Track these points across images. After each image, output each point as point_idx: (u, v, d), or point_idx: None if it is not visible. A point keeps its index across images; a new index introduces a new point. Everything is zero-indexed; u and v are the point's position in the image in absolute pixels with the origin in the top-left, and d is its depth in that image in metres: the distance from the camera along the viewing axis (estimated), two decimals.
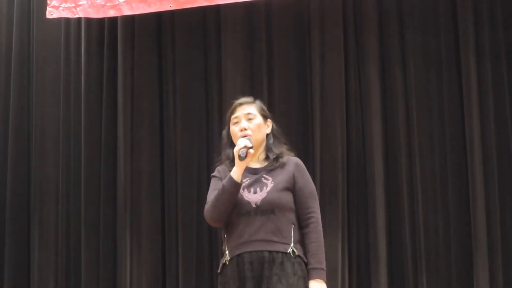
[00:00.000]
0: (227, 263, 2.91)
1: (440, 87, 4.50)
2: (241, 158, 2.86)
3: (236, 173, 2.87)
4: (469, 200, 4.32)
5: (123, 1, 4.68)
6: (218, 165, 3.10)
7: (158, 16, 4.91)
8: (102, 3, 4.73)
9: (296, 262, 2.87)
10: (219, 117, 4.74)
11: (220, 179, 2.98)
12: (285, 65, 4.73)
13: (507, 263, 4.29)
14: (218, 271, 2.97)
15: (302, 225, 2.94)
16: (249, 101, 3.10)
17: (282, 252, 2.85)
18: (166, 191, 4.84)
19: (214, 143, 4.68)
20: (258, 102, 3.12)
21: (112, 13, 4.74)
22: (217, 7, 4.74)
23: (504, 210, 4.34)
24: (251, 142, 2.91)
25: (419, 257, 4.37)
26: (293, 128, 4.61)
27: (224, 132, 3.14)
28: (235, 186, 2.87)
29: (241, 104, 3.08)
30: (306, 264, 2.89)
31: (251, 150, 2.88)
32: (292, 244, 2.87)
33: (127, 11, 4.69)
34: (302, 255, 2.89)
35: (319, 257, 2.89)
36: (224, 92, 4.73)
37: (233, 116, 3.06)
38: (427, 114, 4.51)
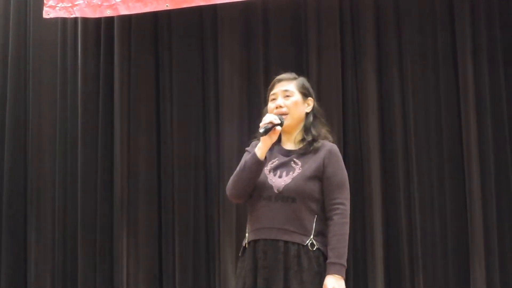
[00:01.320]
0: (246, 247, 2.80)
1: (437, 87, 4.49)
2: (262, 134, 2.71)
3: (260, 149, 2.73)
4: (466, 201, 4.31)
5: (120, 1, 4.68)
6: (254, 140, 2.93)
7: (155, 16, 4.91)
8: (99, 3, 4.74)
9: (314, 256, 2.71)
10: (216, 117, 4.77)
11: (250, 153, 2.82)
12: (282, 64, 4.52)
13: (503, 264, 4.28)
14: (240, 253, 2.86)
15: (326, 216, 2.76)
16: (289, 77, 2.95)
17: (299, 244, 2.70)
18: (162, 190, 4.85)
19: (211, 143, 4.78)
20: (300, 79, 2.95)
21: (108, 13, 4.73)
22: (214, 7, 4.74)
23: (500, 210, 4.33)
24: (282, 119, 2.76)
25: (415, 257, 4.36)
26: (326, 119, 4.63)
27: (265, 109, 2.96)
28: (257, 163, 2.72)
29: (280, 80, 2.94)
30: (325, 259, 2.73)
31: (278, 128, 2.73)
32: (311, 236, 2.71)
33: (123, 11, 4.69)
34: (322, 249, 2.73)
35: (339, 251, 2.70)
36: (221, 92, 4.75)
37: (271, 92, 2.93)
38: (424, 114, 4.50)
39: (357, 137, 4.57)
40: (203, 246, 4.73)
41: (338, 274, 2.68)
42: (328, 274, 2.68)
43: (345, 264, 2.71)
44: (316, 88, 4.50)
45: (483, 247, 4.24)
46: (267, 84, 4.56)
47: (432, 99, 4.51)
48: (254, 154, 2.73)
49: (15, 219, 5.08)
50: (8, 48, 5.23)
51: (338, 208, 2.73)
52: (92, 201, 4.91)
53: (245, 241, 2.81)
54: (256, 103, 4.51)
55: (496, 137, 4.39)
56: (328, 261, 2.69)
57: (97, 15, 4.79)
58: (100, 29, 5.04)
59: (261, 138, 2.72)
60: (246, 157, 2.82)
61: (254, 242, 2.75)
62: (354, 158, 4.55)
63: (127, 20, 4.92)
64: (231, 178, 2.82)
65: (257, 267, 2.71)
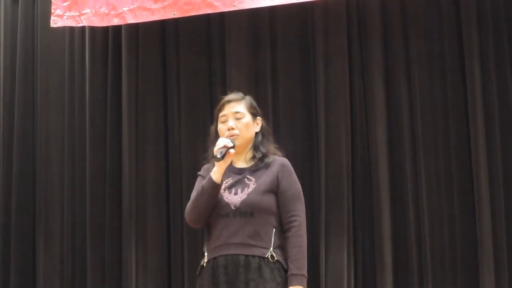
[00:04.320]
0: (205, 265, 2.84)
1: (444, 93, 4.49)
2: (218, 159, 2.77)
3: (215, 173, 2.79)
4: (475, 206, 4.31)
5: (127, 10, 4.67)
6: (205, 163, 3.03)
7: (162, 24, 4.91)
8: (106, 12, 4.73)
9: (275, 268, 2.77)
10: None
11: (204, 178, 2.90)
12: (290, 72, 4.73)
13: None
14: (197, 273, 2.90)
15: (284, 228, 2.83)
16: (238, 98, 3.00)
17: (259, 257, 2.75)
18: (171, 198, 4.84)
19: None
20: (247, 99, 3.01)
21: (116, 22, 4.73)
22: (221, 15, 4.74)
23: (509, 216, 4.33)
24: (233, 142, 2.83)
25: (424, 262, 4.36)
26: (297, 134, 4.63)
27: (212, 128, 3.05)
28: (214, 187, 2.79)
29: (229, 101, 2.98)
30: (285, 271, 2.79)
31: (232, 150, 2.80)
32: (271, 249, 2.77)
33: (131, 20, 4.69)
34: (282, 261, 2.80)
35: (299, 262, 2.77)
36: None
37: (221, 114, 2.97)
38: (432, 120, 4.49)
39: (365, 144, 4.57)
40: None
41: (300, 285, 2.76)
42: (290, 285, 2.75)
43: (306, 274, 2.78)
44: (323, 96, 4.61)
45: (492, 253, 4.23)
46: (275, 91, 4.73)
47: (439, 106, 4.50)
48: (211, 178, 2.79)
49: (24, 228, 5.07)
50: (16, 57, 5.23)
51: (295, 221, 2.81)
52: (101, 209, 4.90)
53: (204, 260, 2.86)
54: (264, 111, 4.37)
55: (504, 144, 4.39)
56: (289, 273, 2.77)
57: (104, 24, 4.77)
58: (107, 38, 5.04)
59: (217, 162, 2.78)
60: (201, 182, 2.89)
61: (213, 259, 2.80)
62: (362, 165, 4.55)
63: (135, 28, 4.92)
64: (188, 204, 2.89)
65: (218, 282, 2.75)
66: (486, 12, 4.45)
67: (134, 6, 4.65)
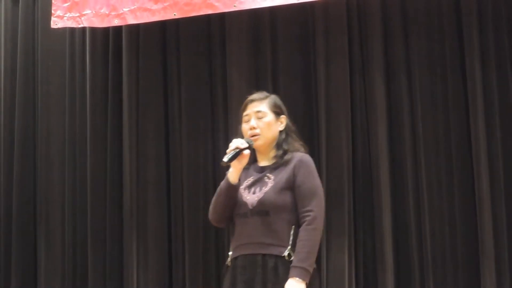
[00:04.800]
0: (229, 265, 2.87)
1: (445, 93, 4.50)
2: (224, 163, 2.77)
3: (231, 174, 2.81)
4: (475, 206, 4.31)
5: (128, 10, 4.69)
6: None
7: (163, 25, 4.93)
8: (107, 12, 4.75)
9: None
10: (224, 125, 4.78)
11: None
12: (290, 72, 4.74)
13: None
14: (223, 271, 2.94)
15: (299, 224, 2.81)
16: (261, 97, 3.01)
17: (276, 256, 2.74)
18: (172, 198, 4.86)
19: (220, 150, 4.65)
20: (271, 98, 3.01)
21: (116, 22, 4.75)
22: (222, 15, 4.75)
23: (510, 215, 4.32)
24: (250, 142, 2.83)
25: (425, 262, 4.36)
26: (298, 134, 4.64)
27: (239, 128, 3.04)
28: (231, 187, 2.81)
29: (252, 101, 3.00)
30: None
31: (246, 151, 2.80)
32: (289, 247, 2.76)
33: (131, 20, 4.71)
34: None
35: (302, 255, 2.72)
36: (229, 101, 4.75)
37: (244, 113, 2.98)
38: (433, 120, 4.50)
39: (366, 143, 4.57)
40: (213, 255, 4.74)
41: (299, 277, 2.70)
42: (290, 277, 2.71)
43: (308, 268, 2.72)
44: (324, 96, 4.62)
45: (493, 253, 4.23)
46: (275, 92, 4.56)
47: (440, 106, 4.50)
48: (227, 179, 2.82)
49: (25, 228, 5.11)
50: (16, 58, 5.27)
51: (307, 216, 2.77)
52: (102, 210, 4.93)
53: (227, 261, 2.89)
54: None
55: (505, 143, 4.38)
56: (291, 264, 2.72)
57: (105, 25, 4.80)
58: (108, 38, 5.06)
59: (232, 163, 2.78)
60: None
61: (234, 259, 2.83)
62: (363, 165, 4.56)
63: (135, 29, 4.94)
64: (211, 203, 2.90)
65: (236, 283, 2.76)
66: (486, 10, 4.45)
67: (135, 6, 4.67)
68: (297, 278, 2.69)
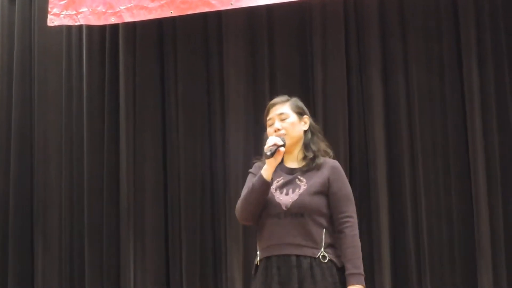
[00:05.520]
0: (258, 265, 2.90)
1: (442, 92, 4.54)
2: (268, 156, 2.81)
3: (266, 171, 2.83)
4: (472, 204, 4.36)
5: (124, 8, 4.71)
6: (256, 161, 3.06)
7: (160, 23, 4.97)
8: (103, 10, 4.77)
9: (327, 268, 2.81)
10: (221, 124, 4.82)
11: (255, 175, 2.93)
12: (287, 71, 4.78)
13: (510, 265, 4.32)
14: (252, 272, 2.94)
15: (336, 229, 2.88)
16: (282, 100, 3.04)
17: (311, 257, 2.80)
18: (169, 197, 4.90)
19: (217, 149, 4.83)
20: (292, 100, 3.05)
21: (113, 20, 4.78)
22: (219, 14, 4.79)
23: (507, 214, 4.36)
24: (283, 140, 2.87)
25: (422, 260, 4.41)
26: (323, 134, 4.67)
27: (265, 134, 3.05)
28: (265, 185, 2.82)
29: (273, 104, 3.03)
30: (338, 269, 2.84)
31: (282, 148, 2.84)
32: (322, 249, 2.82)
33: (128, 18, 4.73)
34: (335, 259, 2.84)
35: (355, 262, 2.82)
36: (226, 99, 4.80)
37: (268, 118, 3.02)
38: (430, 119, 4.54)
39: (363, 142, 4.62)
40: (210, 253, 4.78)
41: (359, 284, 2.79)
42: (349, 285, 2.78)
43: (363, 273, 2.82)
44: (321, 96, 4.65)
45: (490, 251, 4.28)
46: (273, 90, 4.68)
47: (437, 104, 4.55)
48: (261, 176, 2.83)
49: (22, 227, 5.14)
50: (13, 56, 5.31)
51: (348, 222, 2.85)
52: (99, 209, 4.97)
53: (257, 259, 2.91)
54: (262, 110, 4.42)
55: (501, 141, 4.43)
56: (347, 272, 2.79)
57: (101, 23, 4.83)
58: (105, 36, 5.11)
59: (267, 160, 2.82)
60: (251, 179, 2.93)
61: (266, 259, 2.85)
62: (360, 163, 4.61)
63: (132, 27, 4.98)
64: (239, 201, 2.91)
65: (271, 283, 2.80)
66: (484, 10, 4.49)
67: (131, 4, 4.69)
68: (358, 285, 2.79)
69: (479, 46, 4.46)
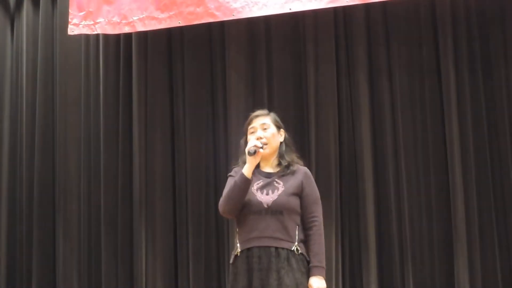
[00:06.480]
0: (238, 255, 3.09)
1: (422, 93, 4.65)
2: (250, 154, 3.02)
3: (246, 169, 3.05)
4: (450, 196, 4.48)
5: (137, 19, 4.84)
6: (235, 167, 3.25)
7: (169, 32, 5.07)
8: (118, 21, 4.89)
9: (300, 259, 3.05)
10: (224, 123, 4.91)
11: (234, 177, 3.13)
12: (283, 75, 4.88)
13: (484, 252, 4.47)
14: (231, 261, 3.12)
15: (306, 227, 3.11)
16: (264, 113, 3.28)
17: (287, 249, 3.03)
18: (177, 189, 4.99)
19: (220, 146, 4.90)
20: (272, 114, 3.31)
21: (127, 30, 4.91)
22: (222, 24, 4.90)
23: (481, 204, 4.51)
24: (262, 145, 3.10)
25: (405, 245, 4.51)
26: (290, 131, 4.42)
27: (242, 141, 3.26)
28: (246, 181, 3.05)
29: (257, 116, 3.25)
30: (308, 262, 3.07)
31: (261, 150, 3.08)
32: (296, 243, 3.05)
33: (140, 28, 4.85)
34: (305, 254, 3.08)
35: (320, 257, 3.07)
36: (228, 100, 4.91)
37: (250, 126, 3.23)
38: (411, 118, 4.64)
39: (351, 139, 4.73)
40: (213, 240, 4.89)
41: (321, 275, 3.08)
42: (312, 275, 3.06)
43: (324, 266, 3.11)
44: (314, 97, 4.71)
45: (465, 237, 4.39)
46: (271, 92, 4.78)
47: (418, 105, 4.65)
48: (243, 174, 3.07)
49: (45, 216, 5.22)
50: (37, 62, 5.42)
51: (315, 221, 3.13)
52: (114, 200, 5.07)
53: (237, 250, 3.11)
54: (261, 108, 4.40)
55: (476, 139, 4.55)
56: (311, 264, 3.08)
57: (116, 32, 4.95)
58: (119, 44, 5.21)
59: (248, 159, 3.07)
60: (232, 179, 3.15)
61: (247, 250, 3.07)
62: (348, 159, 4.72)
63: (144, 36, 5.08)
64: (222, 197, 3.13)
65: (252, 270, 3.03)
66: (460, 20, 4.60)
67: (143, 15, 4.83)
68: (320, 276, 3.06)
69: (456, 53, 4.56)
